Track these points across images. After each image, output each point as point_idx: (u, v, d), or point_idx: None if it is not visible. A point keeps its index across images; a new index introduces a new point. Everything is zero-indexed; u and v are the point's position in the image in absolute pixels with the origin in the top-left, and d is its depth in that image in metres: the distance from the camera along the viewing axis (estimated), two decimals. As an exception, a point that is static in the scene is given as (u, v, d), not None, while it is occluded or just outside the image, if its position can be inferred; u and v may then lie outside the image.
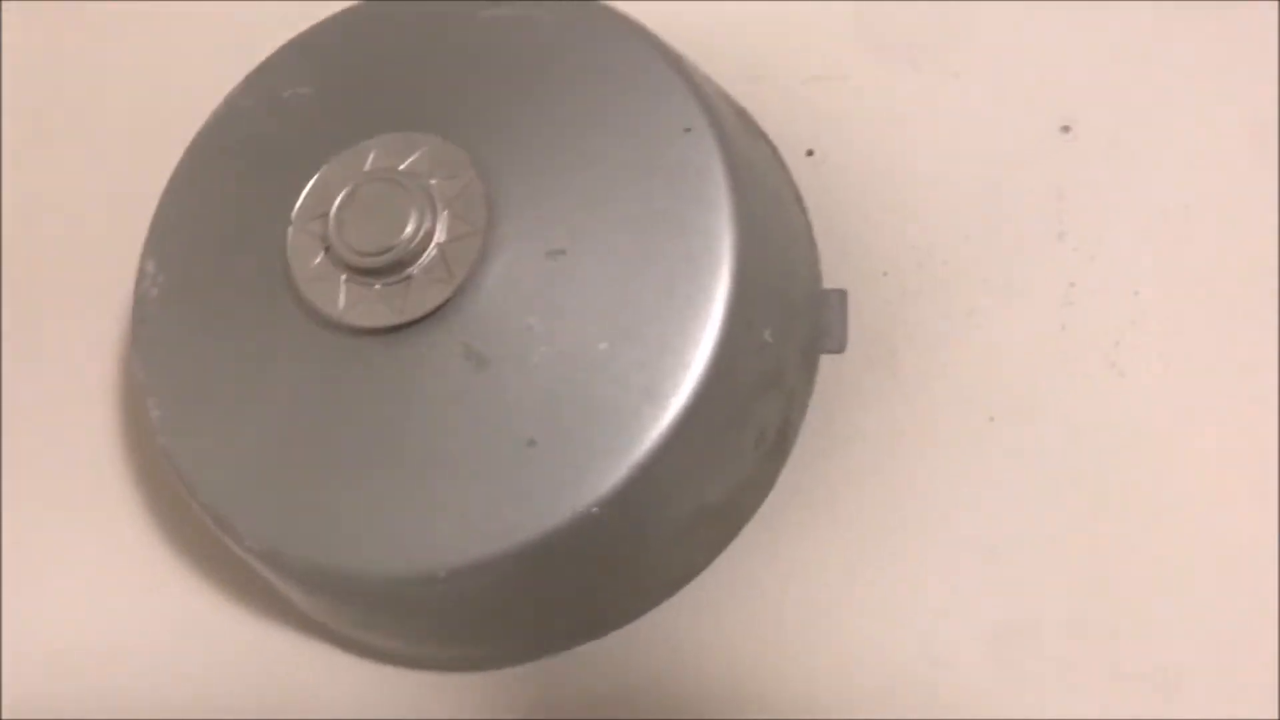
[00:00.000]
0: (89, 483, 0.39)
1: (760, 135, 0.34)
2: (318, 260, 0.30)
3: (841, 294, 0.33)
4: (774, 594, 0.34)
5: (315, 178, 0.30)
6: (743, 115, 0.34)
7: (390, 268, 0.29)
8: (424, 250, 0.29)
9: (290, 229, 0.30)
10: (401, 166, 0.30)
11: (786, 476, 0.34)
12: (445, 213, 0.29)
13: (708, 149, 0.29)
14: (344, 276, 0.29)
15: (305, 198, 0.30)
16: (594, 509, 0.28)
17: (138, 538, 0.38)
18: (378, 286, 0.29)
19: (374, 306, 0.29)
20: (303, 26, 0.35)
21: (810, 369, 0.33)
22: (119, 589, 0.38)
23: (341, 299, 0.29)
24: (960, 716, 0.32)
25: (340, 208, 0.29)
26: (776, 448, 0.33)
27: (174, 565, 0.38)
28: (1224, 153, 0.34)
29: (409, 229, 0.29)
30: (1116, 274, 0.34)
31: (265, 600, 0.37)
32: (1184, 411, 0.33)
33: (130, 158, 0.42)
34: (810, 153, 0.37)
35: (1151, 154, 0.35)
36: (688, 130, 0.30)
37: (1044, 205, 0.35)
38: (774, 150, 0.34)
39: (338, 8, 0.34)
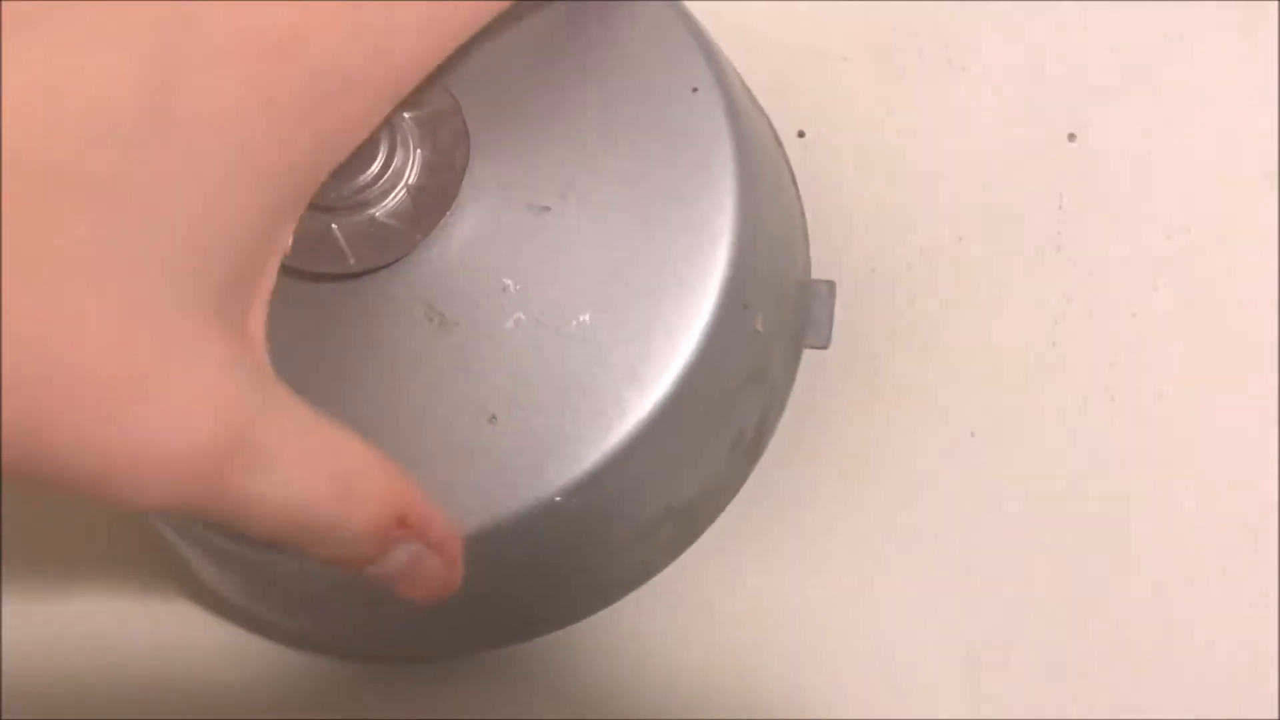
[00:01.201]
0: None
1: (759, 107, 0.32)
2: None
3: (830, 285, 0.31)
4: (729, 603, 0.31)
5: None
6: (744, 84, 0.31)
7: (350, 206, 0.25)
8: (391, 190, 0.25)
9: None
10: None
11: (754, 479, 0.31)
12: (419, 152, 0.26)
13: (715, 113, 0.27)
14: (298, 211, 0.26)
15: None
16: (556, 498, 0.25)
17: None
18: (334, 226, 0.26)
19: (328, 249, 0.26)
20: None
21: (793, 365, 0.31)
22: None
23: (290, 236, 0.26)
24: (922, 749, 0.30)
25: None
26: (752, 447, 0.30)
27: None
28: (1234, 174, 0.33)
29: (375, 165, 0.25)
30: (1114, 292, 0.32)
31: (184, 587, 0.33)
32: (1179, 443, 0.31)
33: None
34: (801, 134, 0.35)
35: (1159, 170, 0.33)
36: (695, 90, 0.27)
37: (1044, 214, 0.33)
38: (771, 125, 0.32)
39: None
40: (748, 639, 0.31)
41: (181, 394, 0.17)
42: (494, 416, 0.25)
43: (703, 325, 0.26)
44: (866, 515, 0.31)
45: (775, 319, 0.29)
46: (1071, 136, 0.34)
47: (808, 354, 0.32)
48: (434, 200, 0.26)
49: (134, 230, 0.17)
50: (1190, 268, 0.32)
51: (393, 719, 0.31)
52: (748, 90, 0.31)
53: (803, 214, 0.32)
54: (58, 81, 0.16)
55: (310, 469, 0.19)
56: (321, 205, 0.25)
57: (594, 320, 0.26)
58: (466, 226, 0.26)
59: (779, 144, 0.32)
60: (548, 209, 0.26)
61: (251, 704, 0.32)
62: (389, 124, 0.26)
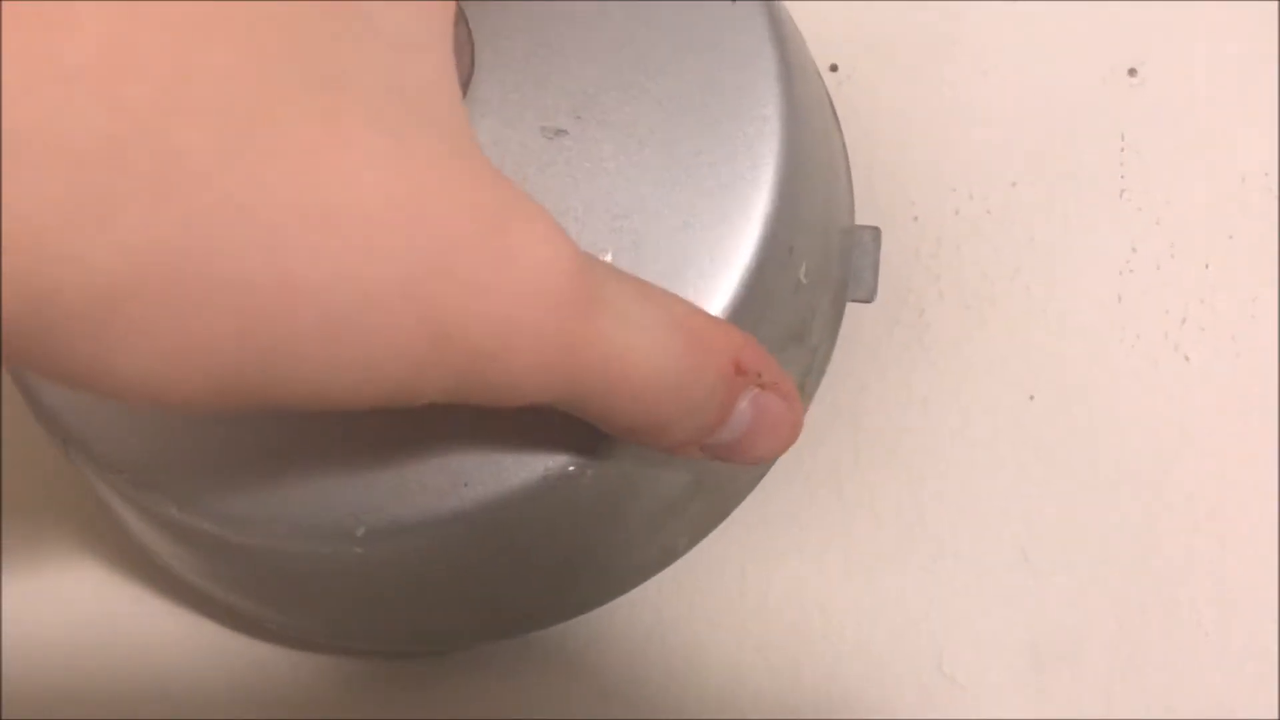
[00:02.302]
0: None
1: (794, 24, 0.28)
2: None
3: (875, 232, 0.27)
4: (760, 583, 0.28)
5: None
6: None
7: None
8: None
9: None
10: None
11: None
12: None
13: (758, 26, 0.23)
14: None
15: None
16: (570, 467, 0.22)
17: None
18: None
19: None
20: None
21: (836, 321, 0.27)
22: (120, 588, 0.30)
23: None
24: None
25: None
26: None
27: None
28: (1315, 113, 0.30)
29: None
30: (1184, 242, 0.29)
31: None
32: (1256, 405, 0.28)
33: None
34: (834, 68, 0.31)
35: (1230, 108, 0.30)
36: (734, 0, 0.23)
37: (1105, 156, 0.30)
38: (809, 50, 0.28)
39: None
40: (782, 626, 0.27)
41: (538, 224, 0.16)
42: None
43: (742, 270, 0.22)
44: (913, 489, 0.28)
45: (819, 267, 0.25)
46: (1133, 71, 0.31)
47: (850, 311, 0.28)
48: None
49: (400, 66, 0.16)
50: (1270, 214, 0.29)
51: (399, 717, 0.28)
52: (786, 9, 0.28)
53: (845, 153, 0.28)
54: None
55: (660, 316, 0.18)
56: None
57: (615, 261, 0.22)
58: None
59: (818, 72, 0.29)
60: (564, 132, 0.22)
61: (256, 705, 0.28)
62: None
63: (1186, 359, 0.28)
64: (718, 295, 0.22)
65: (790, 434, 0.20)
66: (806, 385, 0.27)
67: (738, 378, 0.19)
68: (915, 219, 0.30)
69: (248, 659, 0.28)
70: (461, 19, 0.22)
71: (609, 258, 0.22)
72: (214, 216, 0.13)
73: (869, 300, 0.27)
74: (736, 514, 0.27)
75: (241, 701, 0.28)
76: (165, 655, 0.29)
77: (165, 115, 0.13)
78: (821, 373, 0.28)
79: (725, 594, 0.28)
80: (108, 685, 0.29)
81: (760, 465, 0.27)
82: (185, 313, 0.13)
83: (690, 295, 0.22)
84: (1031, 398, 0.28)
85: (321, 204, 0.14)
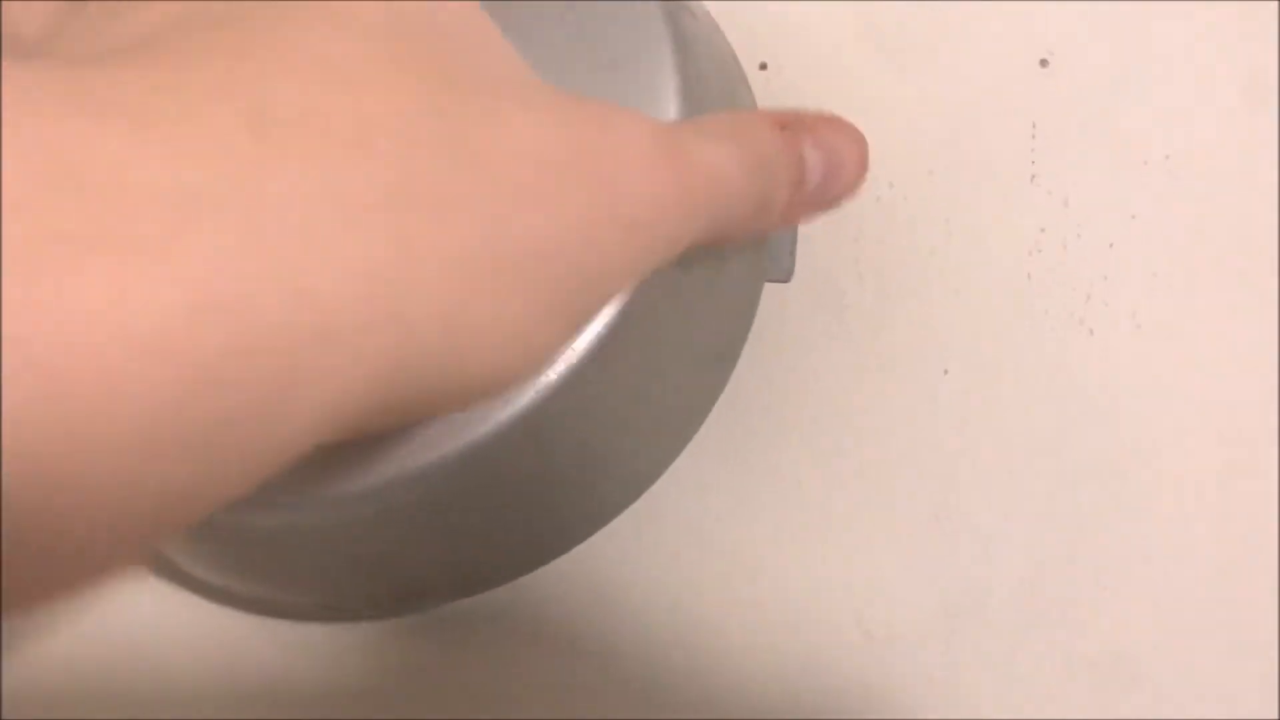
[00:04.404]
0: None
1: (719, 30, 0.30)
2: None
3: (793, 219, 0.29)
4: (690, 549, 0.30)
5: None
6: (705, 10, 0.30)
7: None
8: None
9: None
10: None
11: (711, 420, 0.30)
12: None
13: (657, 31, 0.25)
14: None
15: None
16: (505, 427, 0.24)
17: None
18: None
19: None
20: None
21: (752, 303, 0.29)
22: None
23: None
24: (895, 697, 0.28)
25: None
26: (706, 388, 0.29)
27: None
28: (1213, 98, 0.31)
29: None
30: (1090, 223, 0.31)
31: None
32: (1157, 376, 0.30)
33: None
34: (764, 66, 0.33)
35: (1135, 96, 0.32)
36: None
37: (1016, 143, 0.32)
38: (734, 53, 0.30)
39: None
40: (709, 589, 0.29)
41: (627, 121, 0.18)
42: None
43: None
44: (833, 458, 0.30)
45: (734, 252, 0.27)
46: (1044, 62, 0.32)
47: (770, 291, 0.30)
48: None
49: None
50: (1170, 196, 0.31)
51: (369, 675, 0.30)
52: (708, 15, 0.30)
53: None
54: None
55: (720, 130, 0.20)
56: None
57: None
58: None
59: (738, 65, 0.30)
60: None
61: (239, 677, 0.30)
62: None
63: (1091, 333, 0.30)
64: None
65: (858, 149, 0.23)
66: (722, 363, 0.29)
67: (786, 133, 0.22)
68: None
69: (233, 634, 0.31)
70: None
71: None
72: None
73: (786, 280, 0.29)
74: (663, 481, 0.29)
75: (227, 677, 0.30)
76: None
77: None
78: (739, 348, 0.30)
79: (653, 562, 0.30)
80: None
81: (685, 429, 0.29)
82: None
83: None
84: (945, 371, 0.30)
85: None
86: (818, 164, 0.22)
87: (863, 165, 0.23)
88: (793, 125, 0.22)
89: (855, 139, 0.23)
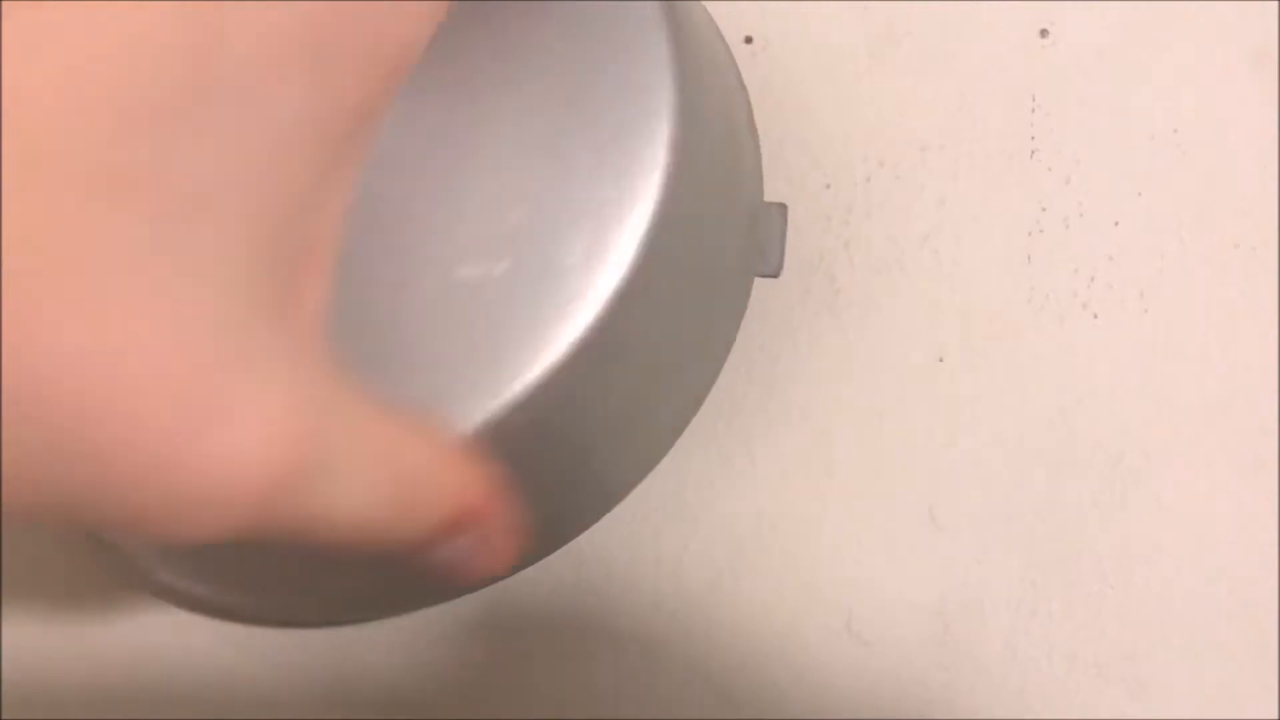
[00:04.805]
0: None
1: (704, 8, 0.28)
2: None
3: (782, 209, 0.28)
4: (674, 547, 0.28)
5: None
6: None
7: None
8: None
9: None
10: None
11: (703, 414, 0.29)
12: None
13: (649, 10, 0.23)
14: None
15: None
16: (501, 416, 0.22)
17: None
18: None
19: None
20: None
21: (742, 296, 0.28)
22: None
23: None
24: (885, 701, 0.27)
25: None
26: (695, 384, 0.27)
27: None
28: (1220, 70, 0.30)
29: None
30: (1094, 201, 0.29)
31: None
32: (1166, 362, 0.28)
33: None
34: (749, 40, 0.32)
35: (1139, 68, 0.30)
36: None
37: (1015, 118, 0.30)
38: (716, 26, 0.29)
39: None
40: (695, 589, 0.28)
41: (255, 415, 0.15)
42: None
43: (634, 252, 0.23)
44: (824, 453, 0.29)
45: (720, 245, 0.26)
46: (1044, 33, 0.31)
47: (759, 283, 0.29)
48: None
49: (181, 222, 0.14)
50: (1176, 172, 0.29)
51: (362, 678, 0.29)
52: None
53: (753, 127, 0.29)
54: (78, 59, 0.13)
55: (374, 477, 0.17)
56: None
57: (505, 255, 0.23)
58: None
59: (727, 49, 0.29)
60: (452, 125, 0.23)
61: (250, 691, 0.29)
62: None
63: (1095, 317, 0.29)
64: (609, 277, 0.23)
65: (487, 574, 0.20)
66: (713, 357, 0.28)
67: (457, 526, 0.19)
68: (827, 187, 0.30)
69: (245, 648, 0.29)
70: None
71: (500, 254, 0.23)
72: None
73: (775, 275, 0.28)
74: (651, 479, 0.28)
75: (228, 686, 0.29)
76: (160, 650, 0.29)
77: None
78: (730, 342, 0.28)
79: (639, 559, 0.28)
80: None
81: (675, 424, 0.28)
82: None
83: (581, 280, 0.22)
84: (941, 360, 0.29)
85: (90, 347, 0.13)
86: (451, 556, 0.19)
87: (488, 576, 0.20)
88: (474, 525, 0.19)
89: (499, 566, 0.20)
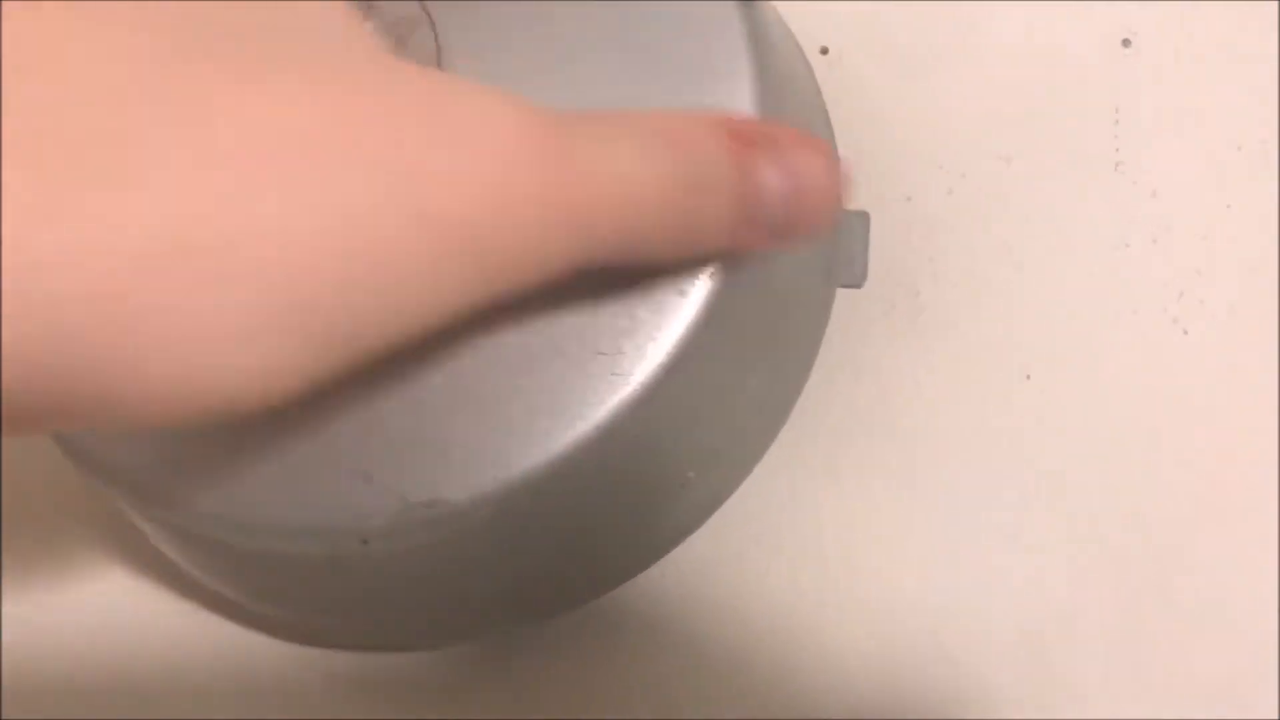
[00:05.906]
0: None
1: (780, 17, 0.28)
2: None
3: (864, 216, 0.27)
4: (758, 567, 0.28)
5: None
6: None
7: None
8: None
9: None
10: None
11: (786, 431, 0.28)
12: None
13: (730, 19, 0.23)
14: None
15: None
16: (568, 456, 0.22)
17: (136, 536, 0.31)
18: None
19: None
20: None
21: (825, 307, 0.27)
22: (120, 588, 0.30)
23: None
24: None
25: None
26: (779, 399, 0.27)
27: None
28: (1314, 79, 0.29)
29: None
30: (1182, 214, 0.29)
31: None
32: (1258, 378, 0.28)
33: None
34: (825, 50, 0.31)
35: (1225, 76, 0.30)
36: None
37: (1099, 129, 0.30)
38: (794, 38, 0.28)
39: None
40: (780, 610, 0.28)
41: (479, 100, 0.16)
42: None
43: (711, 271, 0.22)
44: (909, 473, 0.28)
45: (803, 255, 0.25)
46: (1126, 42, 0.30)
47: (841, 295, 0.28)
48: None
49: None
50: (1267, 183, 0.29)
51: (403, 716, 0.28)
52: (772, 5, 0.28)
53: (833, 139, 0.28)
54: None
55: (633, 129, 0.17)
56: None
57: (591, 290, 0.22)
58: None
59: (803, 54, 0.28)
60: None
61: (261, 702, 0.29)
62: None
63: (1185, 333, 0.28)
64: (692, 292, 0.22)
65: (831, 174, 0.20)
66: (797, 366, 0.27)
67: (739, 145, 0.18)
68: (908, 199, 0.30)
69: (258, 655, 0.29)
70: (427, 23, 0.22)
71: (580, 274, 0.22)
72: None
73: (858, 285, 0.27)
74: (733, 499, 0.27)
75: (252, 699, 0.29)
76: (172, 650, 0.29)
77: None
78: (813, 357, 0.28)
79: (724, 580, 0.28)
80: (110, 681, 0.29)
81: (755, 453, 0.27)
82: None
83: (661, 293, 0.22)
84: (1028, 377, 0.28)
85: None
86: (778, 185, 0.19)
87: (834, 192, 0.20)
88: (748, 136, 0.19)
89: (827, 161, 0.20)
